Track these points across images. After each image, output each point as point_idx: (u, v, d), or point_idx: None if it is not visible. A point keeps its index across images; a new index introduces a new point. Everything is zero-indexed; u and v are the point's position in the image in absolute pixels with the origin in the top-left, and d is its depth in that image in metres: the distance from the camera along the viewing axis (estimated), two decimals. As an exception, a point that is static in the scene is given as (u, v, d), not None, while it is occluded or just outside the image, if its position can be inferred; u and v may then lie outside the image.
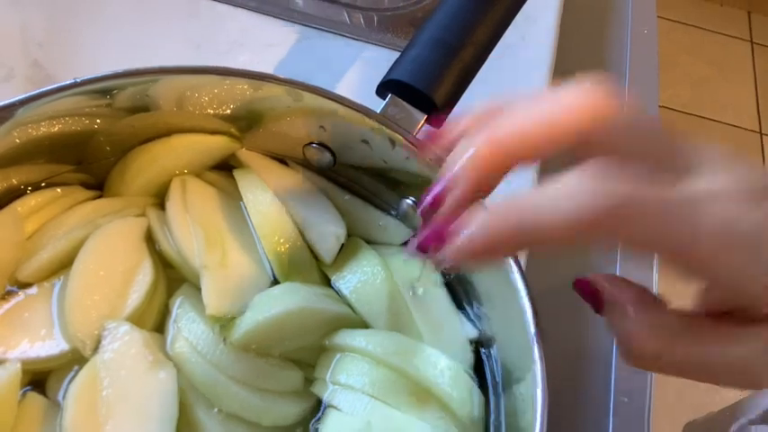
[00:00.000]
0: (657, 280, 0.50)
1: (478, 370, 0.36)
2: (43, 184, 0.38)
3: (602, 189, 0.22)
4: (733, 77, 2.04)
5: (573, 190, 0.22)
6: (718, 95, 1.97)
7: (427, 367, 0.34)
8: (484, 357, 0.36)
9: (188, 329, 0.34)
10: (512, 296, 0.31)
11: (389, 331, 0.35)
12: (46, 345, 0.33)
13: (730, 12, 2.22)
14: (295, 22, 0.57)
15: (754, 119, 1.95)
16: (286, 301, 0.35)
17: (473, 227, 0.24)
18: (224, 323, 0.35)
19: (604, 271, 0.54)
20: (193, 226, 0.37)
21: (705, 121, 1.92)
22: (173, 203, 0.38)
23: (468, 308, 0.37)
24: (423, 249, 0.26)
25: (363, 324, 0.36)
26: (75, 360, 0.33)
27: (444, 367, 0.34)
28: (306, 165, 0.41)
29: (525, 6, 0.44)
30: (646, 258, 0.28)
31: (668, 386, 1.14)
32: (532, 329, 0.29)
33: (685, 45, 2.08)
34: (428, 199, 0.26)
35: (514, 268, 0.31)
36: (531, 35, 0.60)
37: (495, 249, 0.24)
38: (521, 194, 0.23)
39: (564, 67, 0.60)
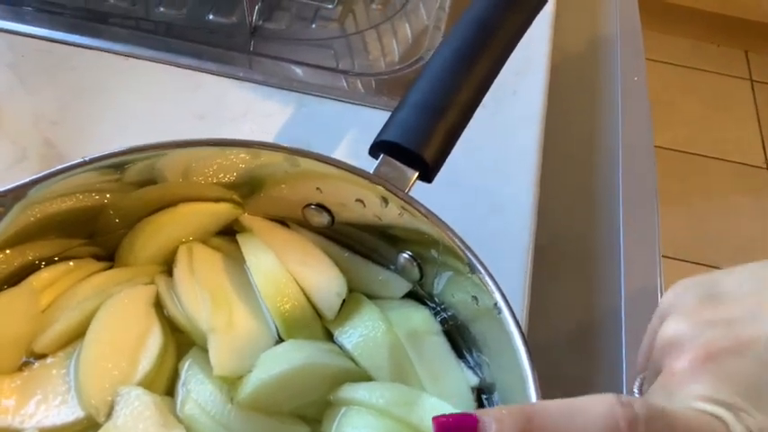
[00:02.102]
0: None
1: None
2: (56, 259, 0.39)
3: None
4: (735, 116, 2.06)
5: None
6: (721, 134, 1.99)
7: (430, 416, 0.34)
8: (486, 404, 0.37)
9: (197, 391, 0.35)
10: (506, 340, 0.32)
11: (392, 382, 0.36)
12: (62, 412, 0.34)
13: (728, 52, 2.25)
14: (294, 91, 0.60)
15: (759, 155, 1.96)
16: (290, 358, 0.36)
17: None
18: (232, 383, 0.36)
19: (612, 313, 0.54)
20: (200, 290, 0.38)
21: (710, 160, 1.93)
22: (180, 270, 0.39)
23: (468, 355, 0.38)
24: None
25: (367, 377, 0.37)
26: (90, 426, 0.34)
27: (448, 415, 0.35)
28: (306, 225, 0.42)
29: (515, 62, 0.46)
30: None
31: None
32: (527, 369, 0.30)
33: (685, 87, 2.11)
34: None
35: (506, 312, 0.32)
36: (522, 90, 0.62)
37: None
38: None
39: (556, 118, 0.62)
